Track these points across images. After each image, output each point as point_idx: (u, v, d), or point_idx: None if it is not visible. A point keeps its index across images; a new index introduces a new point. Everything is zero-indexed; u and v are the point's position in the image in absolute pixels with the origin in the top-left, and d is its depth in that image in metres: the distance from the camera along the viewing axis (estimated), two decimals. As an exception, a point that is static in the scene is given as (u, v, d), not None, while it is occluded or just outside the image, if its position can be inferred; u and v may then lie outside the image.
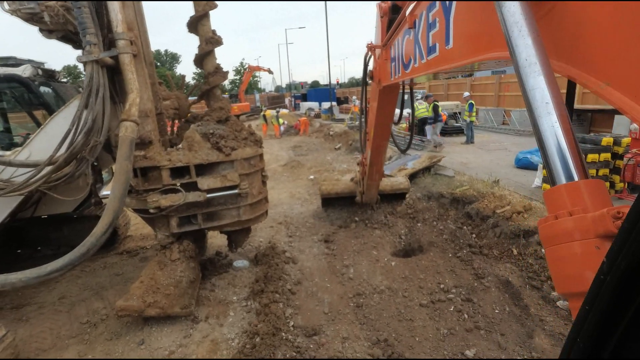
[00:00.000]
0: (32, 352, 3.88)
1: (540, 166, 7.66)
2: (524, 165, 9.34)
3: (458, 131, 15.74)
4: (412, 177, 9.40)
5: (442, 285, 4.91)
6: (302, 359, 3.68)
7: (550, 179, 1.10)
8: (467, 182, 8.12)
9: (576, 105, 12.54)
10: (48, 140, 3.82)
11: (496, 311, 4.38)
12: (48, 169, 3.59)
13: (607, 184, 6.88)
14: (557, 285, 1.02)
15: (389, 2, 4.34)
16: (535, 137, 1.16)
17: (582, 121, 13.65)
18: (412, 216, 7.23)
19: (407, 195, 7.75)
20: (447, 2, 2.29)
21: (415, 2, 2.93)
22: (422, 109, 13.94)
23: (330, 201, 7.63)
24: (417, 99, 14.53)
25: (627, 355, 0.54)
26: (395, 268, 5.45)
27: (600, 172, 6.82)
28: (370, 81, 5.36)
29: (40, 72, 4.86)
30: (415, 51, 3.13)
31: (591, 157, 6.71)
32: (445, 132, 15.39)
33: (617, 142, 6.73)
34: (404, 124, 16.02)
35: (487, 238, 6.24)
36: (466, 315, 4.32)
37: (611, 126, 12.10)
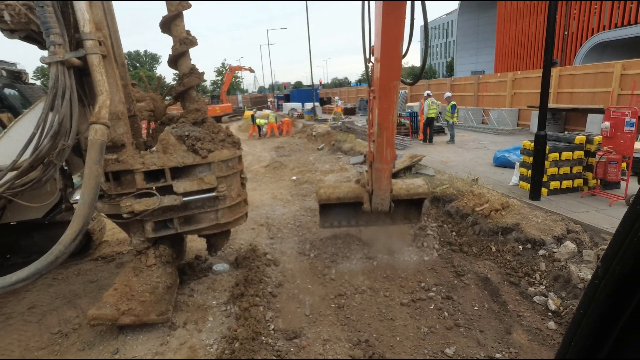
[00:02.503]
0: (-2, 367, 3.70)
1: (517, 164, 7.82)
2: (502, 163, 9.53)
3: (439, 131, 15.95)
4: (394, 176, 9.45)
5: (422, 284, 4.95)
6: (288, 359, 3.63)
7: None
8: (447, 180, 8.22)
9: (551, 105, 12.89)
10: (12, 144, 3.65)
11: (475, 308, 4.44)
12: (12, 174, 3.43)
13: (581, 181, 7.08)
14: None
15: None
16: None
17: (557, 120, 14.04)
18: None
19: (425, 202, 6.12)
20: None
21: None
22: (434, 107, 14.01)
23: (331, 209, 5.96)
24: (429, 97, 14.49)
25: (621, 357, 0.54)
26: (377, 268, 5.45)
27: (574, 170, 7.01)
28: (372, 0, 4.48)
29: (4, 73, 4.65)
30: None
31: (565, 154, 6.88)
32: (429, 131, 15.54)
33: (589, 140, 6.93)
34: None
35: (466, 236, 6.33)
36: (446, 313, 4.35)
37: (584, 125, 12.49)
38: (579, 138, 7.02)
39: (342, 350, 3.82)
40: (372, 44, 5.11)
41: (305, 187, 10.07)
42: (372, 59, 5.16)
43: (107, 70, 3.81)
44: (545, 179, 6.89)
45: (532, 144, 6.79)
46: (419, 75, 4.76)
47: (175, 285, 4.56)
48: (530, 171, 6.91)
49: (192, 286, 5.00)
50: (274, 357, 3.67)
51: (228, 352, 3.67)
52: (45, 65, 3.53)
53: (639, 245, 0.52)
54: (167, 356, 3.77)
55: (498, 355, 3.70)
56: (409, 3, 4.07)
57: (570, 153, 6.92)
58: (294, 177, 11.29)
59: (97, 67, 3.66)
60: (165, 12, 4.48)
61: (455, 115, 13.87)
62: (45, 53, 3.62)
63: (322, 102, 34.44)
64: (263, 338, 3.89)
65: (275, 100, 42.21)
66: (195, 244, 6.21)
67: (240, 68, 38.47)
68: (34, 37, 3.70)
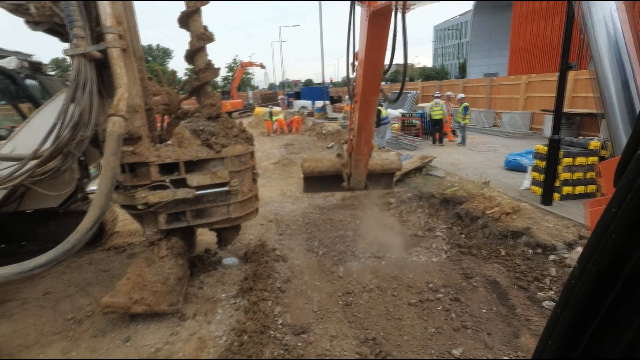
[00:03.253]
0: (14, 348, 3.81)
1: (530, 168, 7.75)
2: (513, 167, 9.45)
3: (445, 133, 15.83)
4: (404, 177, 9.45)
5: (430, 285, 4.95)
6: (291, 359, 3.67)
7: (612, 147, 0.86)
8: (458, 183, 8.18)
9: (566, 109, 12.71)
10: (33, 133, 3.74)
11: (483, 311, 4.42)
12: (32, 163, 3.52)
13: (594, 187, 6.99)
14: None
15: None
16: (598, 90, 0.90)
17: (571, 124, 13.84)
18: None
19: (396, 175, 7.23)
20: None
21: None
22: (438, 109, 13.97)
23: (314, 181, 6.91)
24: (434, 98, 14.52)
25: (595, 355, 0.56)
26: (385, 267, 5.47)
27: (587, 175, 6.92)
28: (359, 6, 4.88)
29: (26, 64, 4.76)
30: None
31: (579, 160, 6.81)
32: (436, 133, 15.46)
33: (604, 146, 6.84)
34: (396, 124, 16.09)
35: (476, 238, 6.30)
36: (454, 315, 4.35)
37: (599, 130, 12.30)
38: (594, 144, 6.94)
39: (349, 347, 3.85)
40: (357, 49, 5.35)
41: (314, 185, 10.09)
42: (356, 64, 5.43)
43: (126, 64, 3.88)
44: (557, 183, 6.82)
45: (546, 148, 6.73)
46: (399, 93, 5.10)
47: (185, 277, 4.64)
48: (542, 175, 6.85)
49: (202, 279, 5.07)
50: (279, 357, 3.71)
51: (237, 344, 3.73)
52: (61, 58, 3.62)
53: (614, 247, 0.53)
54: (176, 346, 3.84)
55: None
56: (393, 17, 4.19)
57: (584, 158, 6.84)
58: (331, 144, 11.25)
59: (117, 60, 3.73)
60: (180, 7, 4.54)
61: (468, 116, 13.77)
62: (65, 46, 3.71)
63: (333, 100, 34.39)
64: (271, 332, 3.94)
65: (286, 97, 42.27)
66: (205, 238, 6.29)
67: (251, 64, 38.63)
68: (57, 29, 3.79)
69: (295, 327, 4.12)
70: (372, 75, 5.16)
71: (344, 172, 6.49)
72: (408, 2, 4.01)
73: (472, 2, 45.26)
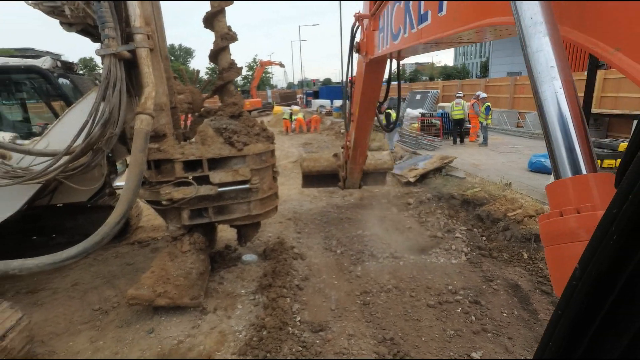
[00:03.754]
0: (46, 336, 3.99)
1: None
2: (537, 168, 9.21)
3: (467, 133, 15.56)
4: (423, 177, 9.36)
5: (450, 287, 4.89)
6: (303, 359, 3.69)
7: (553, 169, 1.00)
8: (479, 184, 8.05)
9: (593, 110, 12.28)
10: (66, 130, 3.91)
11: (504, 314, 4.35)
12: (65, 158, 3.68)
13: (623, 190, 6.74)
14: (556, 287, 0.94)
15: None
16: (537, 111, 1.06)
17: (599, 126, 13.37)
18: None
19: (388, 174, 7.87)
20: None
21: None
22: (459, 109, 13.85)
23: (312, 179, 7.59)
24: (456, 98, 14.46)
25: (596, 356, 0.56)
26: (403, 267, 5.44)
27: (616, 178, 6.69)
28: (357, 54, 5.16)
29: (59, 64, 4.96)
30: (406, 20, 2.99)
31: (607, 162, 6.59)
32: (458, 134, 15.24)
33: (634, 148, 6.60)
34: (415, 124, 15.92)
35: (497, 241, 6.18)
36: (473, 318, 4.29)
37: (629, 131, 11.83)
38: (624, 145, 6.69)
39: (366, 346, 3.85)
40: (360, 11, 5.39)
41: (332, 184, 10.11)
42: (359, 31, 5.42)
43: (153, 63, 4.00)
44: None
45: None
46: (395, 121, 6.00)
47: (207, 272, 4.75)
48: (568, 178, 6.65)
49: (222, 274, 5.18)
50: (300, 349, 3.76)
51: (256, 339, 3.80)
52: (87, 57, 3.77)
53: (615, 248, 0.53)
54: (198, 339, 3.94)
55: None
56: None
57: (613, 161, 6.61)
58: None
59: (145, 60, 3.86)
60: (201, 7, 4.66)
61: (490, 117, 13.50)
62: (96, 46, 3.85)
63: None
64: (290, 328, 3.99)
65: (304, 96, 42.41)
66: (225, 234, 6.41)
67: (270, 63, 38.96)
68: (89, 30, 3.94)
69: (313, 324, 4.16)
70: (368, 106, 5.62)
71: (339, 174, 7.21)
72: (402, 54, 4.25)
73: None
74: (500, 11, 1.27)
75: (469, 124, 14.57)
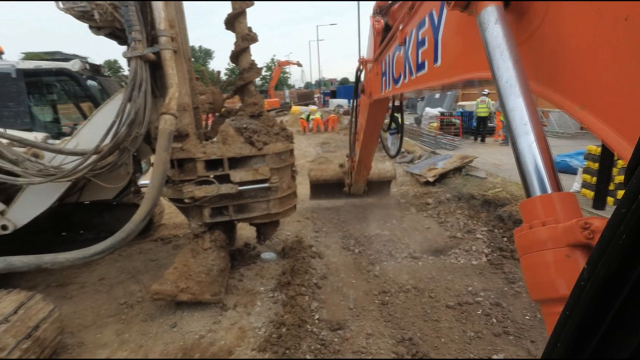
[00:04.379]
0: (75, 328, 4.16)
1: (580, 170, 7.31)
2: (562, 168, 8.94)
3: (491, 132, 15.27)
4: (442, 177, 9.24)
5: (470, 288, 4.82)
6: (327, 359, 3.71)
7: (525, 191, 1.15)
8: (500, 184, 7.89)
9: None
10: (94, 130, 4.06)
11: (527, 317, 4.26)
12: (94, 157, 3.83)
13: None
14: (531, 291, 1.06)
15: (382, 21, 4.48)
16: (514, 154, 1.22)
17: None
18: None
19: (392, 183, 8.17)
20: (436, 21, 2.34)
21: (406, 21, 3.01)
22: (483, 107, 13.71)
23: (320, 188, 7.91)
24: (481, 95, 14.40)
25: (604, 357, 0.56)
26: (422, 268, 5.40)
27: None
28: (361, 94, 5.56)
29: (87, 66, 5.16)
30: (405, 67, 3.20)
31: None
32: (478, 133, 14.97)
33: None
34: (434, 123, 15.72)
35: (519, 242, 6.04)
36: (495, 320, 4.22)
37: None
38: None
39: (385, 345, 3.85)
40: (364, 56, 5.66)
41: (350, 184, 10.11)
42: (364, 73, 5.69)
43: (177, 65, 4.11)
44: (612, 187, 6.39)
45: (599, 149, 6.32)
46: (397, 151, 6.46)
47: (227, 269, 4.84)
48: (594, 178, 6.44)
49: (241, 271, 5.26)
50: (319, 347, 3.78)
51: (275, 336, 3.85)
52: (112, 60, 3.89)
53: (623, 248, 0.53)
54: (218, 334, 4.02)
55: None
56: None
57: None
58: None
59: (169, 62, 3.96)
60: (219, 8, 4.74)
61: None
62: (123, 49, 3.99)
63: (369, 99, 34.06)
64: (308, 326, 4.03)
65: (322, 96, 42.48)
66: (245, 232, 6.51)
67: (288, 63, 39.23)
68: (116, 34, 4.08)
69: (332, 323, 4.18)
70: (372, 132, 6.00)
71: (345, 181, 7.58)
72: (405, 95, 4.63)
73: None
74: (486, 66, 1.39)
75: (493, 122, 14.31)
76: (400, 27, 3.20)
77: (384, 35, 4.36)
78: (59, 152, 3.93)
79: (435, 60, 2.43)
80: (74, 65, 4.81)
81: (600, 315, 0.57)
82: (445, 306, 4.50)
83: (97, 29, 3.98)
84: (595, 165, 6.44)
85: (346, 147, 15.89)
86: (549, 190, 1.08)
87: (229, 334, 4.00)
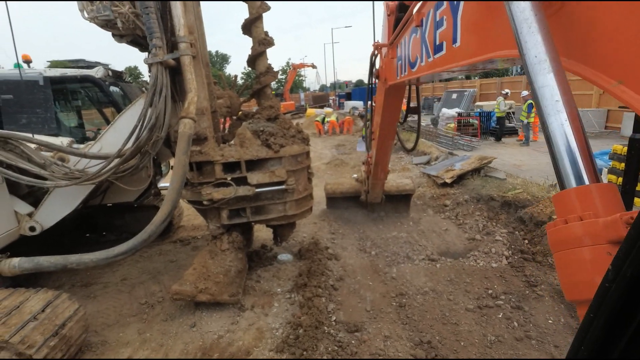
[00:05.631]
0: (99, 326, 4.29)
1: (605, 171, 7.08)
2: (586, 168, 8.67)
3: (511, 132, 14.95)
4: (460, 178, 9.10)
5: (490, 291, 4.73)
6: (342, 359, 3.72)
7: (559, 181, 1.07)
8: (520, 185, 7.71)
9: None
10: (117, 135, 4.19)
11: (550, 322, 4.15)
12: (117, 161, 3.95)
13: (685, 191, 6.20)
14: (565, 291, 1.00)
15: (396, 0, 4.33)
16: (544, 136, 1.13)
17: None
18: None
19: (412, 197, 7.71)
20: (455, 0, 2.26)
21: (423, 0, 2.92)
22: (498, 106, 13.75)
23: (335, 201, 7.71)
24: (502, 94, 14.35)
25: (634, 358, 0.55)
26: (440, 270, 5.33)
27: (677, 178, 6.16)
28: (376, 80, 5.37)
29: (110, 73, 5.32)
30: (422, 50, 3.09)
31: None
32: (493, 133, 14.70)
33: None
34: (451, 124, 15.51)
35: (541, 245, 5.89)
36: (516, 324, 4.13)
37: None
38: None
39: (403, 348, 3.81)
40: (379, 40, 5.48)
41: (366, 185, 10.08)
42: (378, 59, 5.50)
43: (195, 70, 4.19)
44: (639, 187, 6.15)
45: (625, 148, 6.10)
46: (415, 144, 5.97)
47: (244, 270, 4.89)
48: (620, 179, 6.21)
49: (258, 273, 5.31)
50: (336, 349, 3.78)
51: (292, 337, 3.87)
52: (132, 66, 4.00)
53: None
54: (237, 335, 4.07)
55: None
56: None
57: (673, 160, 6.10)
58: (355, 175, 11.29)
59: (188, 67, 4.05)
60: (233, 14, 4.81)
61: (532, 114, 12.90)
62: (144, 55, 4.11)
63: (384, 100, 33.85)
64: (325, 328, 4.03)
65: (337, 98, 42.49)
66: (261, 234, 6.57)
67: (302, 65, 39.39)
68: (138, 41, 4.20)
69: (349, 324, 4.17)
70: (388, 127, 5.79)
71: (362, 189, 7.36)
72: (421, 80, 4.40)
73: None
74: (511, 44, 1.32)
75: (512, 122, 14.10)
76: (417, 8, 3.08)
77: (398, 14, 4.23)
78: (84, 156, 4.07)
79: (454, 41, 2.33)
80: (97, 72, 4.98)
81: (626, 317, 0.55)
82: (465, 309, 4.43)
83: (120, 36, 4.11)
84: (621, 165, 6.22)
85: (362, 150, 15.87)
86: (586, 181, 1.01)
87: (247, 335, 4.04)
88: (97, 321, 4.38)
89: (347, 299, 4.72)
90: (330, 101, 43.40)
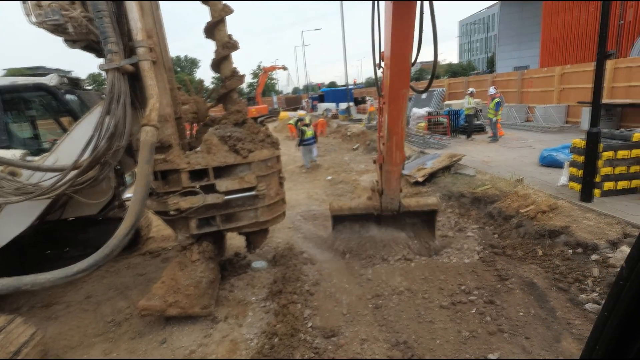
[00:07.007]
0: (60, 349, 4.03)
1: (567, 164, 7.38)
2: (549, 163, 9.03)
3: (479, 129, 15.40)
4: (432, 176, 9.25)
5: (463, 287, 4.80)
6: (322, 359, 3.67)
7: None
8: (489, 181, 7.92)
9: (605, 100, 12.02)
10: (73, 145, 3.97)
11: (520, 314, 4.24)
12: (73, 173, 3.73)
13: (639, 182, 6.55)
14: None
15: None
16: None
17: (611, 116, 13.06)
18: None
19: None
20: None
21: None
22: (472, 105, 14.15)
23: (343, 221, 6.26)
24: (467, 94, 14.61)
25: None
26: (415, 269, 5.37)
27: (632, 169, 6.50)
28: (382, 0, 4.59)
29: (65, 80, 5.05)
30: None
31: (621, 153, 6.41)
32: (463, 131, 15.10)
33: (649, 137, 6.42)
34: (422, 123, 15.80)
35: (510, 238, 6.06)
36: (489, 318, 4.20)
37: (643, 120, 11.54)
38: (637, 135, 6.51)
39: (380, 350, 3.80)
40: (382, 49, 5.16)
41: (340, 187, 10.09)
42: (382, 64, 5.19)
43: (156, 75, 4.04)
44: (598, 179, 6.45)
45: (584, 142, 6.39)
46: (428, 84, 4.89)
47: (217, 281, 4.75)
48: (581, 171, 6.50)
49: (232, 282, 5.17)
50: (313, 355, 3.72)
51: (268, 347, 3.77)
52: (97, 73, 3.81)
53: None
54: (210, 348, 3.93)
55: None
56: (419, 7, 4.00)
57: (627, 152, 6.43)
58: (329, 177, 11.33)
59: (148, 73, 3.89)
60: (205, 19, 4.68)
61: (500, 112, 13.35)
62: (99, 61, 3.91)
63: (357, 102, 34.25)
64: (301, 335, 3.96)
65: (310, 100, 42.52)
66: (235, 242, 6.41)
67: (273, 68, 39.15)
68: (93, 46, 4.01)
69: (325, 330, 4.12)
70: (400, 67, 4.67)
71: (375, 194, 6.02)
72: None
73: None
74: None
75: (480, 120, 14.56)
76: None
77: None
78: (37, 169, 3.83)
79: None
80: (50, 80, 4.71)
81: None
82: (439, 307, 4.47)
83: (72, 42, 3.91)
84: (581, 158, 6.51)
85: (336, 151, 15.92)
86: None
87: (221, 347, 3.91)
88: (58, 344, 4.12)
89: (323, 304, 4.67)
90: (304, 103, 43.35)
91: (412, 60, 4.55)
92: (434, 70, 4.54)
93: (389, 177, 5.57)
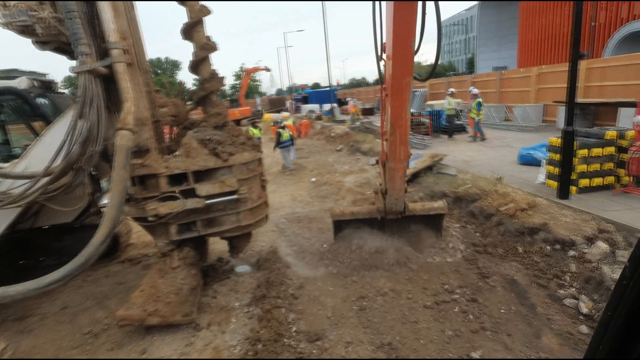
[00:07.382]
0: (34, 365, 3.87)
1: (544, 162, 7.56)
2: (528, 161, 9.24)
3: (460, 129, 15.65)
4: (415, 176, 9.33)
5: (446, 286, 4.85)
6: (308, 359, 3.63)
7: None
8: (470, 180, 8.04)
9: (579, 99, 12.40)
10: (45, 151, 3.82)
11: (502, 311, 4.31)
12: (45, 180, 3.59)
13: (612, 178, 6.77)
14: None
15: None
16: None
17: (586, 115, 13.49)
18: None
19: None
20: None
21: None
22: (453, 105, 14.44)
23: (346, 227, 5.98)
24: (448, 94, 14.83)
25: None
26: (398, 269, 5.38)
27: (605, 166, 6.71)
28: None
29: (37, 83, 4.87)
30: None
31: (595, 151, 6.61)
32: (445, 131, 15.32)
33: (621, 136, 6.63)
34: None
35: (491, 236, 6.17)
36: (471, 316, 4.25)
37: (615, 119, 11.95)
38: (610, 133, 6.72)
39: (364, 353, 3.78)
40: (384, 41, 5.07)
41: (324, 189, 10.07)
42: (384, 56, 5.11)
43: (132, 78, 3.93)
44: (574, 176, 6.63)
45: (560, 140, 6.56)
46: (431, 71, 4.89)
47: (199, 287, 4.64)
48: (557, 169, 6.67)
49: (215, 288, 5.08)
50: (298, 358, 3.68)
51: (251, 353, 3.71)
52: (74, 75, 3.67)
53: None
54: (192, 356, 3.84)
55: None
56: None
57: (601, 149, 6.64)
58: (313, 179, 11.30)
59: (123, 75, 3.78)
60: (185, 18, 4.57)
61: (482, 112, 13.61)
62: (74, 63, 3.77)
63: (340, 103, 34.36)
64: (285, 340, 3.91)
65: (293, 102, 42.41)
66: (217, 246, 6.29)
67: (256, 69, 38.86)
68: (64, 48, 3.86)
69: (310, 334, 4.08)
70: (403, 55, 4.43)
71: (379, 197, 5.80)
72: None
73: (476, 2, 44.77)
74: None
75: (460, 119, 14.83)
76: None
77: None
78: (5, 176, 3.66)
79: None
80: (20, 84, 4.53)
81: None
82: (423, 307, 4.49)
83: (41, 44, 3.76)
84: (558, 156, 6.68)
85: (320, 153, 15.90)
86: None
87: (203, 356, 3.82)
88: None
89: (307, 307, 4.63)
90: (288, 105, 43.21)
91: (415, 47, 4.42)
92: (437, 57, 4.45)
93: (393, 175, 5.30)
